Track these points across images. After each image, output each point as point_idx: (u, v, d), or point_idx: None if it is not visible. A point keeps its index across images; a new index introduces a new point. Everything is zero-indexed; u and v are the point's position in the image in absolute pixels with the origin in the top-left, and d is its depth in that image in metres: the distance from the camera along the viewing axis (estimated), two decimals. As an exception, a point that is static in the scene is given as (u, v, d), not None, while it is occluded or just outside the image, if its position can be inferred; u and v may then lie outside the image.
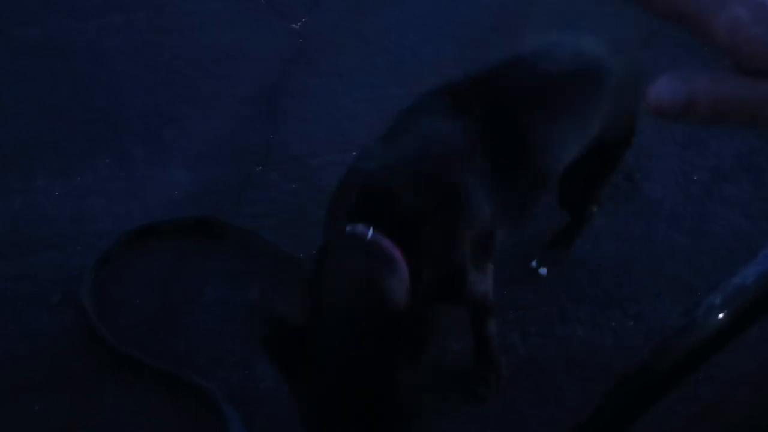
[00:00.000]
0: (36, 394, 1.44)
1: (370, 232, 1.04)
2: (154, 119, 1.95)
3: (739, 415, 0.50)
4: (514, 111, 1.17)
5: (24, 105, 1.99)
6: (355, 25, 2.21)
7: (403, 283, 1.04)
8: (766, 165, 1.72)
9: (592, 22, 2.06)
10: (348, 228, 1.06)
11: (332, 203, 1.18)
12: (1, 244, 1.67)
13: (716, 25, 0.28)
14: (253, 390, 1.42)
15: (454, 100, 1.17)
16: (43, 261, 1.65)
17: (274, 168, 1.83)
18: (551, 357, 1.43)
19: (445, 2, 2.30)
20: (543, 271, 1.53)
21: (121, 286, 1.60)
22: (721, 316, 0.53)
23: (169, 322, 1.54)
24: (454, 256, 1.13)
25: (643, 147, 1.74)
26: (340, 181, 1.17)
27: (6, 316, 1.54)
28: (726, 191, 1.65)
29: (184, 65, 2.10)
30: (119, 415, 1.41)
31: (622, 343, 1.43)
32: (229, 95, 2.03)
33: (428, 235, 1.08)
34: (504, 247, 1.30)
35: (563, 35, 1.31)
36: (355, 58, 2.13)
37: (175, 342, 1.50)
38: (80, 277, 1.57)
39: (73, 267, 1.61)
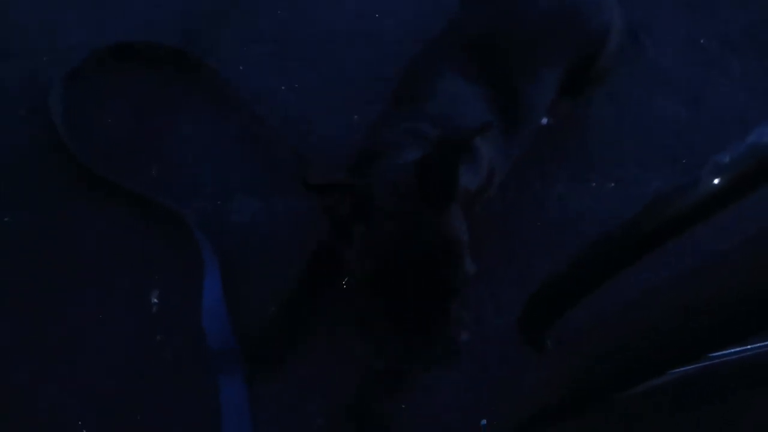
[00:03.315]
0: (4, 206, 1.42)
1: None
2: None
3: (738, 274, 0.48)
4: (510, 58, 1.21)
5: None
6: None
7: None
8: (776, 41, 1.64)
9: None
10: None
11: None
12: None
13: None
14: (226, 222, 1.41)
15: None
16: (11, 71, 1.57)
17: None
18: (525, 214, 1.42)
19: None
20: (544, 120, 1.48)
21: (92, 105, 1.54)
22: (726, 177, 0.49)
23: (142, 147, 1.49)
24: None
25: (651, 4, 1.64)
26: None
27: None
28: (731, 63, 1.58)
29: None
30: (89, 234, 1.40)
31: (599, 206, 1.42)
32: None
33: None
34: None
35: None
36: None
37: (148, 168, 1.47)
38: (50, 90, 1.50)
39: (42, 80, 1.54)
